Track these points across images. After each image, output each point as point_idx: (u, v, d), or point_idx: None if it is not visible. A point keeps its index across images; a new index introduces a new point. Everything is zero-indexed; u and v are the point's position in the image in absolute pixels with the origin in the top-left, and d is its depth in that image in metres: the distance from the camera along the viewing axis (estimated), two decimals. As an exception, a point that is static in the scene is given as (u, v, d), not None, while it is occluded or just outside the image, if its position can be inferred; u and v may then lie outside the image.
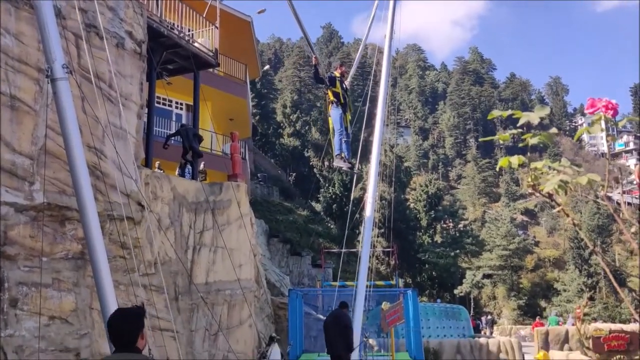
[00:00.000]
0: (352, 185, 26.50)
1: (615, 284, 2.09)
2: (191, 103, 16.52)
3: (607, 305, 58.50)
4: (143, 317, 3.97)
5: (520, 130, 2.01)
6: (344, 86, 11.10)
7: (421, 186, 68.71)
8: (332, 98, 10.77)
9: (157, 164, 16.85)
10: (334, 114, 10.86)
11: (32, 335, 7.74)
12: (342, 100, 10.85)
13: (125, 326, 3.84)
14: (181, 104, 23.82)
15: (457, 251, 62.23)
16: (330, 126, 11.36)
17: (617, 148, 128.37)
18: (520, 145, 2.10)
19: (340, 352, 10.73)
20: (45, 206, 8.22)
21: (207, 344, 11.51)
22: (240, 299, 12.41)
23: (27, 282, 7.92)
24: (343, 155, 11.08)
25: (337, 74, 10.99)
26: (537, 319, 36.38)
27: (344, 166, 11.28)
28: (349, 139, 11.15)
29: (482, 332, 37.69)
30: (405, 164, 79.58)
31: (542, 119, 2.02)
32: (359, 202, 15.85)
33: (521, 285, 70.35)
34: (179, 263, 11.02)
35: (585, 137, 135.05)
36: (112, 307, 6.80)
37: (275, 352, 12.49)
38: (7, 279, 7.72)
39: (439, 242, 63.53)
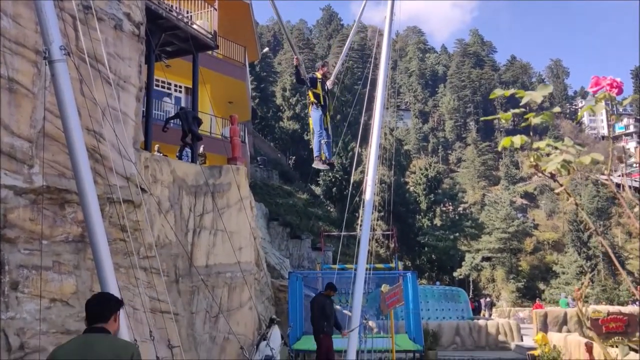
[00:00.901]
0: (352, 168, 26.51)
1: (617, 264, 2.08)
2: (190, 86, 16.43)
3: (606, 288, 58.83)
4: (119, 304, 4.20)
5: (522, 109, 1.98)
6: (326, 87, 11.06)
7: (421, 169, 68.78)
8: (312, 99, 10.74)
9: (156, 147, 16.83)
10: (314, 115, 10.82)
11: (33, 318, 7.77)
12: (323, 102, 10.80)
13: (98, 307, 4.04)
14: (180, 86, 23.72)
15: (457, 234, 62.48)
16: (311, 127, 11.33)
17: (618, 131, 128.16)
18: (522, 125, 2.08)
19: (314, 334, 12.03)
20: (45, 189, 8.20)
21: (208, 326, 11.57)
22: (241, 281, 12.46)
23: (28, 265, 7.94)
24: (323, 156, 11.06)
25: (318, 75, 10.94)
26: (536, 301, 36.57)
27: (323, 167, 11.28)
28: (330, 139, 11.15)
29: (481, 314, 37.92)
30: (405, 147, 79.62)
31: (542, 101, 2.00)
32: (359, 186, 15.86)
33: (520, 268, 70.71)
34: (179, 246, 11.04)
35: (585, 120, 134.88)
36: (113, 289, 6.81)
37: (275, 334, 12.57)
38: (7, 262, 7.74)
39: (438, 225, 63.73)
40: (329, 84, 11.58)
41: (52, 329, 8.08)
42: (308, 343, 16.58)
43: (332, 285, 12.24)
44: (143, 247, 9.77)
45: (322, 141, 10.85)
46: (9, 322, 7.60)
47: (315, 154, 10.83)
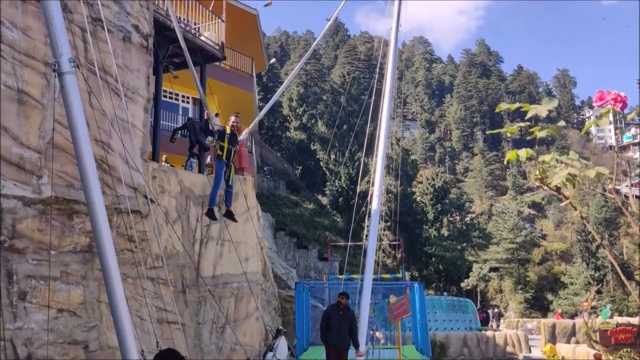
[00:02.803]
0: (358, 178, 26.54)
1: (623, 277, 2.08)
2: (197, 96, 16.53)
3: (615, 299, 58.31)
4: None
5: (528, 123, 1.99)
6: (235, 140, 11.19)
7: (428, 179, 68.67)
8: (218, 152, 10.91)
9: (164, 157, 16.91)
10: (217, 167, 10.95)
11: (40, 328, 7.79)
12: (227, 155, 10.92)
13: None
14: (188, 97, 23.85)
15: (464, 244, 62.20)
16: (212, 178, 11.41)
17: (625, 141, 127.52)
18: (528, 138, 2.09)
19: None
20: (53, 200, 8.25)
21: (215, 336, 11.57)
22: (247, 291, 12.46)
23: (36, 275, 7.97)
24: (219, 207, 11.14)
25: (228, 129, 11.09)
26: (558, 312, 36.41)
27: (212, 219, 11.27)
28: (231, 189, 11.29)
29: (489, 325, 37.69)
30: (412, 157, 79.55)
31: (549, 111, 2.01)
32: (365, 196, 15.86)
33: (528, 279, 70.21)
34: (186, 256, 11.07)
35: (592, 129, 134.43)
36: (120, 299, 6.83)
37: (282, 344, 12.55)
38: (15, 272, 7.78)
39: (445, 235, 63.51)
40: (242, 135, 11.80)
41: (59, 339, 8.10)
42: (315, 354, 16.52)
43: (341, 293, 11.45)
44: (150, 257, 9.80)
45: (221, 192, 10.98)
46: (16, 332, 7.63)
47: (210, 204, 10.91)
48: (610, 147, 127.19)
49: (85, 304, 8.60)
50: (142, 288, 9.04)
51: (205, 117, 11.07)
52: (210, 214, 10.86)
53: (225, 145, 10.82)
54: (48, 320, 7.81)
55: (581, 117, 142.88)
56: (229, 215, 11.20)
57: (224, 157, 10.78)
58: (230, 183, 11.09)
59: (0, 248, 7.61)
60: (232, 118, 11.47)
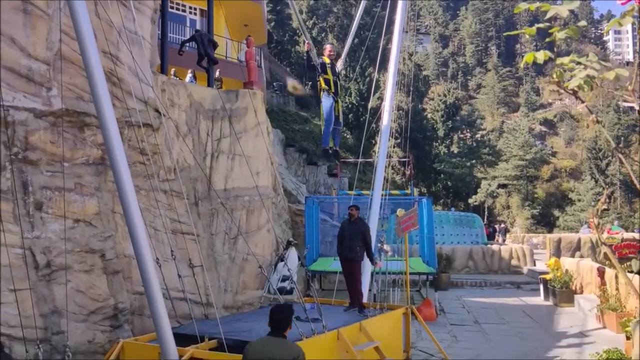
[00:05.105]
0: (369, 94, 26.23)
1: (636, 182, 2.08)
2: (205, 8, 16.10)
3: (621, 215, 58.88)
4: (293, 314, 5.22)
5: (546, 24, 1.93)
6: (336, 71, 10.58)
7: (439, 96, 67.81)
8: (324, 86, 10.28)
9: (172, 71, 16.72)
10: (326, 103, 10.33)
11: (58, 237, 8.03)
12: (334, 88, 10.35)
13: (279, 316, 5.02)
14: (195, 8, 23.27)
15: (473, 161, 62.19)
16: (322, 115, 10.88)
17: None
18: (547, 40, 2.03)
19: None
20: (64, 112, 8.27)
21: (227, 246, 11.88)
22: (259, 204, 12.66)
23: (51, 186, 8.12)
24: (332, 146, 10.67)
25: (326, 59, 10.46)
26: (609, 228, 36.63)
27: (330, 161, 10.87)
28: (340, 126, 10.73)
29: (495, 240, 38.37)
30: (424, 73, 78.24)
31: (566, 23, 1.94)
32: (376, 112, 15.75)
33: (536, 195, 70.74)
34: (198, 169, 11.18)
35: (610, 45, 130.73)
36: (135, 211, 6.96)
37: (292, 255, 12.87)
38: (30, 183, 7.93)
39: (455, 152, 63.42)
40: (339, 65, 11.20)
41: (76, 248, 8.37)
42: (324, 264, 17.06)
43: (350, 205, 10.87)
44: (163, 170, 9.92)
45: (331, 128, 10.49)
46: (35, 241, 7.88)
47: (324, 145, 10.41)
48: (627, 63, 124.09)
49: (100, 215, 8.80)
50: (156, 200, 9.21)
51: (306, 48, 10.48)
52: (326, 155, 10.51)
53: (330, 77, 10.31)
54: (65, 229, 8.03)
55: (599, 31, 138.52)
56: (336, 155, 10.93)
57: (331, 91, 10.26)
58: (340, 120, 10.65)
59: (14, 159, 7.73)
60: (328, 47, 10.98)
